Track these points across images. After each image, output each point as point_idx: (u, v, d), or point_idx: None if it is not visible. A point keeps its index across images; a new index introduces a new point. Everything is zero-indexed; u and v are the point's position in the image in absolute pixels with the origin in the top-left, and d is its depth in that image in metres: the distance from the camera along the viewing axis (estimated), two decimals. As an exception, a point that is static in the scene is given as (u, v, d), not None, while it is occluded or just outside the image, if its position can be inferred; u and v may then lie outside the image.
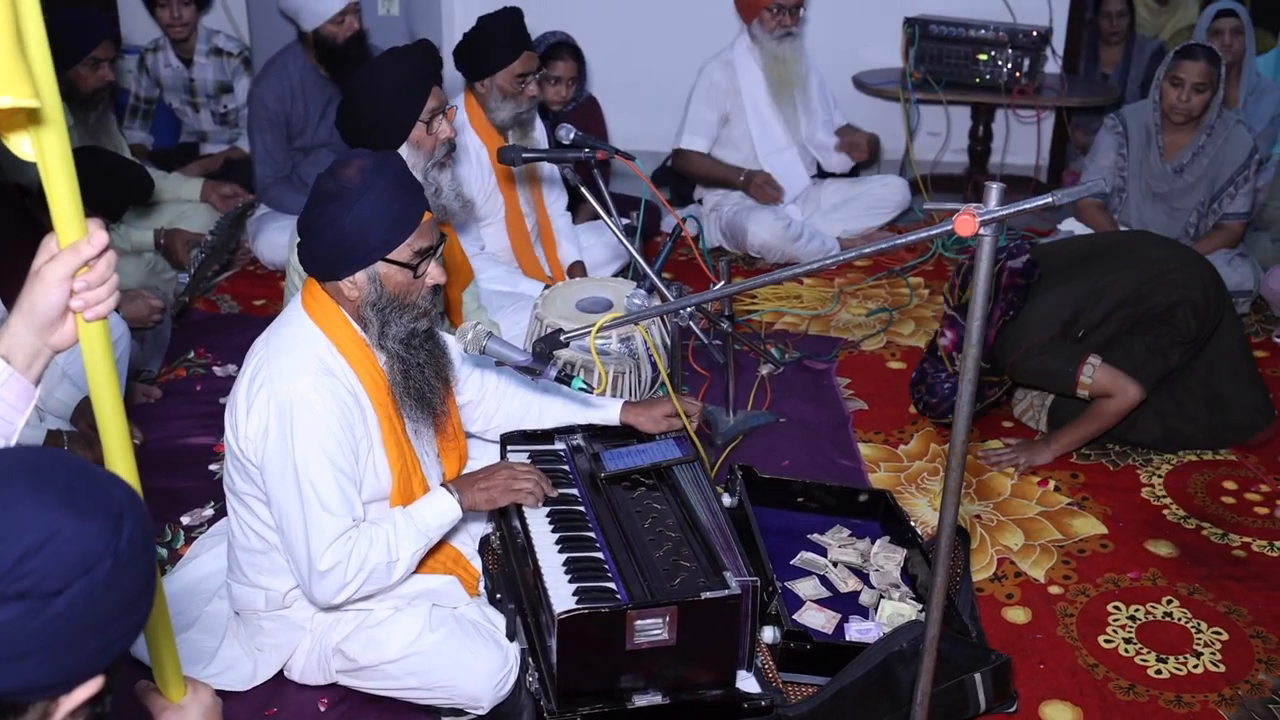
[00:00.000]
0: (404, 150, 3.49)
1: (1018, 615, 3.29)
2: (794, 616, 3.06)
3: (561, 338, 2.78)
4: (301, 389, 2.65)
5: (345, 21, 5.18)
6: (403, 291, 2.73)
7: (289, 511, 2.68)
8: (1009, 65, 6.24)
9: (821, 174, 5.89)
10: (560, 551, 2.84)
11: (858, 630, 3.04)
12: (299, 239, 2.76)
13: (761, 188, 5.57)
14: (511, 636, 2.87)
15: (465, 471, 3.13)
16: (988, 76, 6.29)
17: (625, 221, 3.95)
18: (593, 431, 3.30)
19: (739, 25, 5.68)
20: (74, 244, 1.51)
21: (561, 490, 3.07)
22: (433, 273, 2.77)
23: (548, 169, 4.82)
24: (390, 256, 2.68)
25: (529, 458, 3.21)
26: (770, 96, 5.64)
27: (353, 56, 5.18)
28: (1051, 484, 3.88)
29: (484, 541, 3.16)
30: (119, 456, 1.60)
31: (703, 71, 5.65)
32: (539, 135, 4.70)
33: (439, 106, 3.57)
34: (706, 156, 5.67)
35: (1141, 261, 4.00)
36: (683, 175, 5.81)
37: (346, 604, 2.76)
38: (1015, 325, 3.88)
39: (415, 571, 2.84)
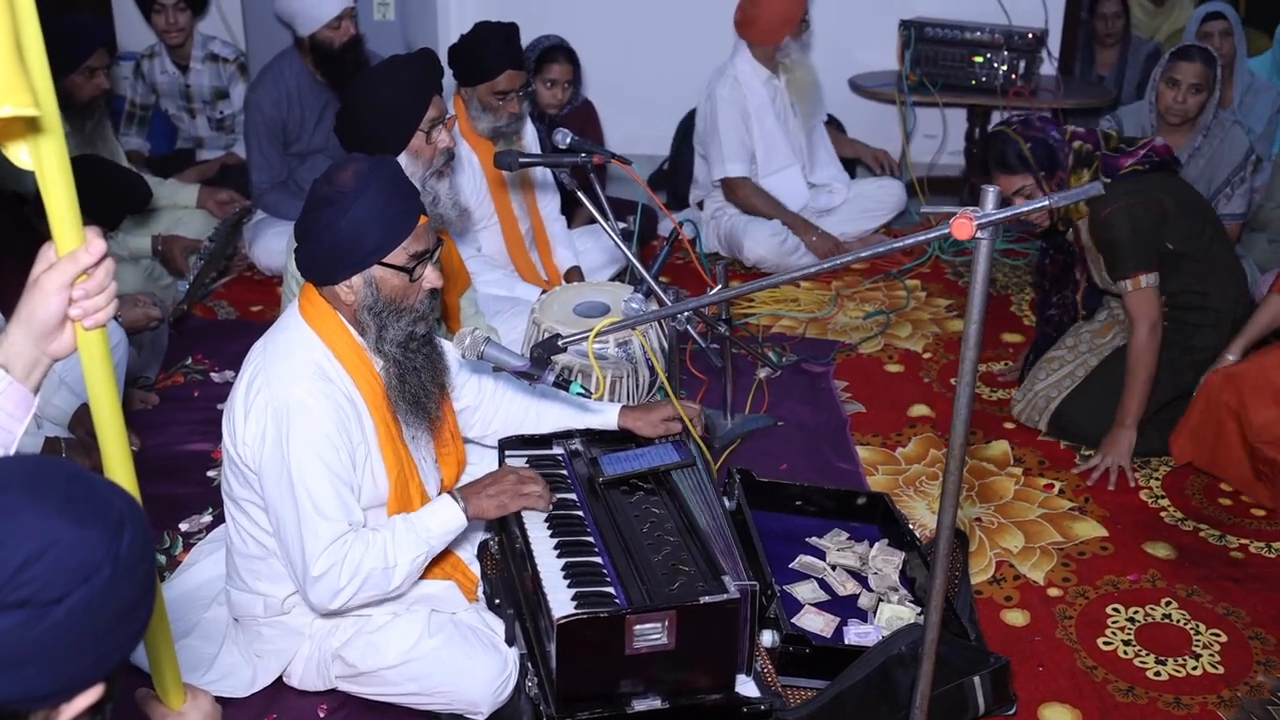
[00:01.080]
0: (403, 159, 3.48)
1: (1016, 618, 3.29)
2: (793, 620, 3.06)
3: (559, 342, 2.79)
4: (298, 394, 2.65)
5: (342, 26, 5.18)
6: (399, 295, 2.73)
7: (284, 517, 2.68)
8: (1004, 67, 6.25)
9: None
10: (559, 556, 2.84)
11: (856, 633, 3.04)
12: (296, 244, 2.76)
13: (825, 255, 5.52)
14: (510, 642, 2.87)
15: (464, 477, 3.13)
16: (983, 79, 6.30)
17: (622, 225, 3.96)
18: (591, 436, 3.30)
19: (735, 42, 5.65)
20: (72, 252, 1.51)
21: (560, 495, 3.07)
22: (429, 276, 2.76)
23: (541, 173, 4.81)
24: (386, 260, 2.68)
25: (527, 463, 3.21)
26: (775, 114, 5.63)
27: (348, 61, 5.18)
28: (1057, 487, 3.88)
29: (483, 546, 3.15)
30: (117, 464, 1.60)
31: (714, 95, 5.59)
32: (530, 140, 4.70)
33: (439, 116, 3.56)
34: (770, 197, 5.62)
35: (1227, 250, 4.16)
36: (739, 205, 5.70)
37: (346, 609, 2.75)
38: (1139, 179, 3.91)
39: (414, 577, 2.84)
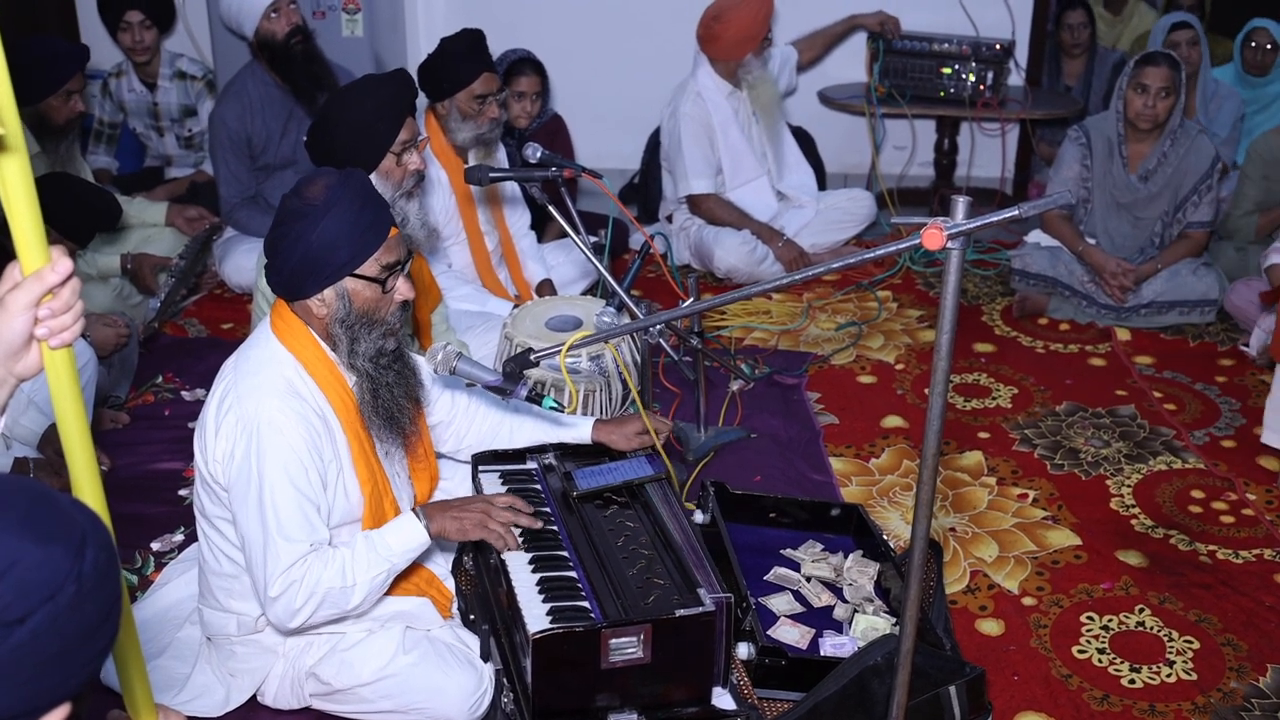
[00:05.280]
0: (373, 179, 3.46)
1: (991, 627, 3.30)
2: (768, 632, 3.06)
3: (531, 357, 2.78)
4: (268, 411, 2.64)
5: (281, 13, 5.13)
6: (371, 308, 2.72)
7: (250, 534, 2.66)
8: (973, 78, 6.28)
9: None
10: (534, 571, 2.83)
11: (832, 645, 3.04)
12: (265, 259, 2.75)
13: (790, 262, 5.56)
14: (486, 657, 2.86)
15: (437, 492, 3.12)
16: (952, 90, 6.33)
17: (593, 239, 3.95)
18: (564, 450, 3.29)
19: (695, 55, 5.66)
20: (38, 271, 1.50)
21: (533, 510, 3.06)
22: (401, 288, 2.76)
23: (509, 188, 4.81)
24: (358, 272, 2.68)
25: (500, 477, 3.20)
26: (739, 127, 5.64)
27: (298, 55, 5.15)
28: (1030, 496, 3.89)
29: (457, 562, 3.14)
30: (86, 483, 1.59)
31: (678, 112, 5.60)
32: (501, 156, 4.69)
33: (411, 138, 3.56)
34: (734, 208, 5.62)
35: None
36: (705, 219, 5.70)
37: (305, 628, 2.73)
38: None
39: (388, 593, 2.82)
